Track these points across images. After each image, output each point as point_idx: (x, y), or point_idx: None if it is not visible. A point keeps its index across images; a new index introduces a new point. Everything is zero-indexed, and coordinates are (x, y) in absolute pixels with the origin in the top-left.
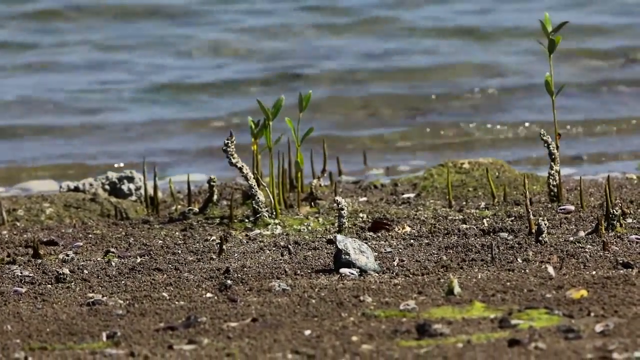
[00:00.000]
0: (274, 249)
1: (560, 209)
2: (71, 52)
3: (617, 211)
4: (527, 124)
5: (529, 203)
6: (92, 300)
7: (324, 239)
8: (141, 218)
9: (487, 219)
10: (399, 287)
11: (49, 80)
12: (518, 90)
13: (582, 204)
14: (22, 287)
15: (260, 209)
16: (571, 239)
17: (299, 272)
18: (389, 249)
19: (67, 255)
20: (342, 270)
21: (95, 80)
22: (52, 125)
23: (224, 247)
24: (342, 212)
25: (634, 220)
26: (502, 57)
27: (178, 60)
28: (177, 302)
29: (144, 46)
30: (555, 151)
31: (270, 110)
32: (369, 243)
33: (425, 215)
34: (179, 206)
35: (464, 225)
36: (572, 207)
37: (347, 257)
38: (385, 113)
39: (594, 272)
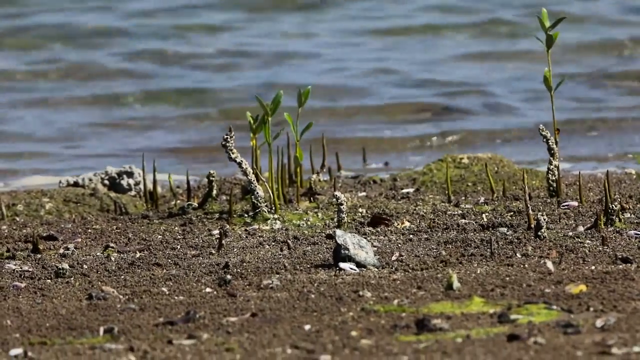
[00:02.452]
0: (273, 243)
1: (564, 206)
2: None
3: (616, 206)
4: None
5: (528, 198)
6: (96, 294)
7: (323, 234)
8: (140, 213)
9: (486, 214)
10: (398, 282)
11: None
12: None
13: (581, 199)
14: (21, 282)
15: (259, 204)
16: (570, 234)
17: (298, 267)
18: (388, 244)
19: (67, 250)
20: (340, 264)
21: None
22: None
23: (223, 242)
24: (341, 207)
25: (633, 216)
26: None
27: None
28: (176, 297)
29: None
30: (555, 146)
31: (269, 105)
32: (368, 238)
33: (425, 210)
34: (179, 201)
35: (463, 220)
36: (576, 203)
37: (346, 252)
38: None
39: (593, 267)
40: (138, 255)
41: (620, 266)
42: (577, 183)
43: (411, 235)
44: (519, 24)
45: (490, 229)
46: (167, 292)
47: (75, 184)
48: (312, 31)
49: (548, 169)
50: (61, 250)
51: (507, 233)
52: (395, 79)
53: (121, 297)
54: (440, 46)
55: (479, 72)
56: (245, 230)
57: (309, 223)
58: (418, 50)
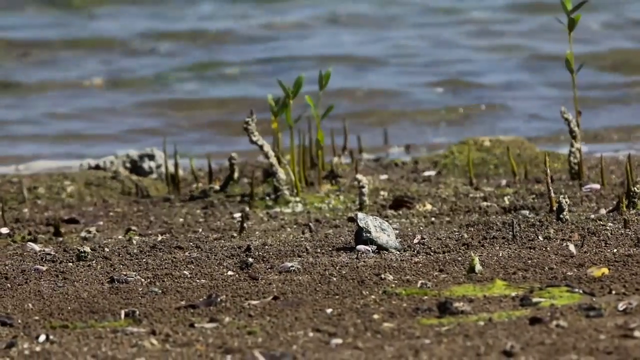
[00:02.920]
0: (294, 226)
1: (586, 188)
2: None
3: (638, 189)
4: None
5: (549, 181)
6: (118, 277)
7: (344, 217)
8: (162, 196)
9: (508, 197)
10: (420, 265)
11: None
12: None
13: (603, 181)
14: (43, 266)
15: (281, 187)
16: (592, 216)
17: (319, 250)
18: (409, 227)
19: (89, 233)
20: (359, 247)
21: None
22: None
23: (245, 225)
24: (363, 190)
25: None
26: None
27: None
28: (198, 281)
29: None
30: (576, 129)
31: (291, 88)
32: (390, 221)
33: (446, 193)
34: (200, 184)
35: (485, 203)
36: (598, 186)
37: (368, 235)
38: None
39: (615, 250)
40: (160, 238)
41: None
42: (599, 166)
43: (433, 218)
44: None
45: (512, 211)
46: (189, 276)
47: (97, 167)
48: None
49: (570, 151)
50: (83, 234)
51: (529, 216)
52: (416, 60)
53: (143, 280)
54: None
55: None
56: (267, 213)
57: (330, 206)
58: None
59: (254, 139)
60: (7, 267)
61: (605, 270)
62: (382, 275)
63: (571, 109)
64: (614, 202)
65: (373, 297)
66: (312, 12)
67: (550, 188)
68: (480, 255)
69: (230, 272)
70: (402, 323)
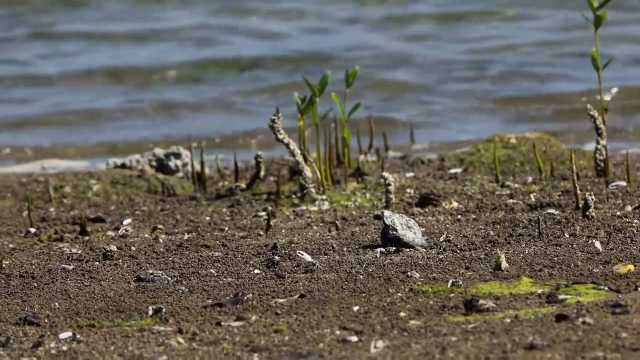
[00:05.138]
0: (321, 224)
1: (612, 185)
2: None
3: None
4: None
5: (575, 178)
6: (145, 276)
7: (371, 215)
8: (188, 194)
9: (534, 194)
10: (447, 262)
11: None
12: None
13: (629, 178)
14: (69, 265)
15: (307, 185)
16: (618, 213)
17: (346, 248)
18: (436, 225)
19: (115, 232)
20: (380, 249)
21: None
22: None
23: (271, 223)
24: (389, 187)
25: None
26: None
27: None
28: (224, 279)
29: None
30: (602, 126)
31: (317, 86)
32: (416, 218)
33: (472, 191)
34: (226, 182)
35: (511, 200)
36: (624, 183)
37: (395, 232)
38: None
39: None
40: (186, 236)
41: None
42: (625, 162)
43: (459, 216)
44: None
45: (538, 209)
46: (216, 274)
47: (123, 166)
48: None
49: (596, 148)
50: (109, 232)
51: (555, 213)
52: (445, 57)
53: (169, 279)
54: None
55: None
56: (293, 211)
57: (356, 204)
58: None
59: (280, 137)
60: (33, 267)
61: (631, 267)
62: (409, 273)
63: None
64: None
65: (400, 294)
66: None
67: (576, 185)
68: (506, 253)
69: (256, 271)
70: (428, 320)
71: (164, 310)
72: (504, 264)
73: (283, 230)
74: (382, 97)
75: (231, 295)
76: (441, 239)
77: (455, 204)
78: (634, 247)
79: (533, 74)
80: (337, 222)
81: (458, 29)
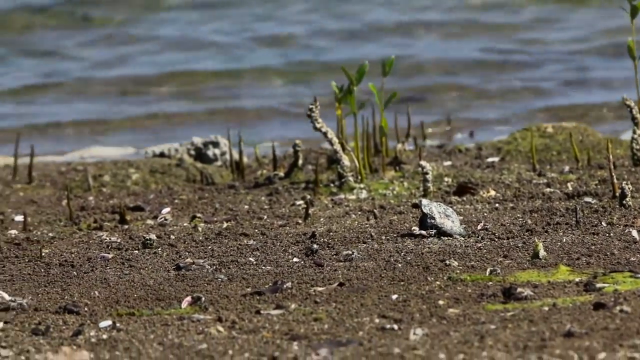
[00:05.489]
0: (359, 213)
1: None
2: None
3: None
4: None
5: (612, 167)
6: (184, 264)
7: (409, 203)
8: (227, 183)
9: (571, 183)
10: (485, 251)
11: None
12: None
13: None
14: (109, 253)
15: (345, 174)
16: None
17: (384, 236)
18: (473, 213)
19: (154, 221)
20: (421, 232)
21: None
22: None
23: (309, 211)
24: (427, 176)
25: None
26: None
27: None
28: (263, 267)
29: None
30: (638, 115)
31: (354, 75)
32: (454, 207)
33: (510, 179)
34: (264, 171)
35: (548, 189)
36: None
37: (433, 221)
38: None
39: None
40: (225, 225)
41: None
42: None
43: (497, 204)
44: None
45: (575, 197)
46: (255, 262)
47: (161, 155)
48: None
49: (632, 138)
50: (148, 221)
51: (592, 202)
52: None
53: (208, 267)
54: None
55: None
56: (332, 199)
57: (394, 192)
58: None
59: (318, 125)
60: (73, 255)
61: None
62: (447, 262)
63: (634, 95)
64: None
65: (438, 283)
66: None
67: (613, 174)
68: (544, 241)
69: (295, 259)
70: (467, 309)
71: (203, 298)
72: (542, 253)
73: (321, 219)
74: (420, 87)
75: (270, 284)
76: (479, 227)
77: (492, 193)
78: None
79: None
80: (375, 210)
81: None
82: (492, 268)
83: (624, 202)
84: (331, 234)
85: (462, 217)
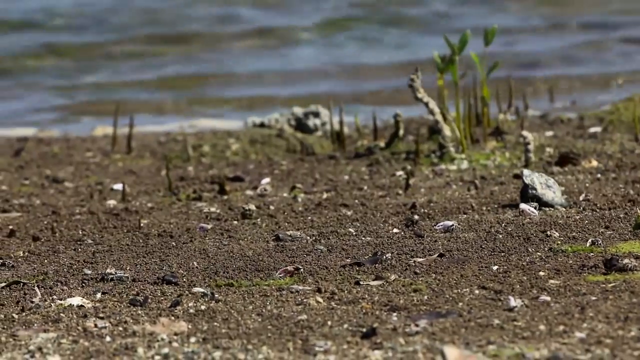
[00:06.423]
0: (460, 184)
1: None
2: None
3: None
4: None
5: None
6: (283, 235)
7: (510, 174)
8: (327, 154)
9: None
10: (586, 221)
11: None
12: None
13: None
14: (208, 224)
15: (446, 144)
16: None
17: (485, 207)
18: (575, 184)
19: (254, 191)
20: (522, 206)
21: None
22: None
23: (410, 182)
24: (529, 146)
25: None
26: None
27: None
28: (363, 238)
29: None
30: None
31: (457, 45)
32: (556, 177)
33: (612, 150)
34: (365, 141)
35: None
36: None
37: (534, 191)
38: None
39: None
40: (325, 196)
41: None
42: None
43: (599, 175)
44: None
45: None
46: (354, 233)
47: (262, 125)
48: None
49: None
50: (248, 192)
51: None
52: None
53: (308, 238)
54: None
55: None
56: (432, 170)
57: (496, 163)
58: None
59: (419, 95)
60: (172, 226)
61: None
62: (548, 232)
63: None
64: None
65: (539, 254)
66: None
67: None
68: None
69: (395, 230)
70: (568, 280)
71: (302, 269)
72: None
73: (422, 190)
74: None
75: (370, 255)
76: (581, 198)
77: (594, 163)
78: None
79: None
80: (476, 181)
81: None
82: (593, 239)
83: None
84: (432, 204)
85: (563, 188)
